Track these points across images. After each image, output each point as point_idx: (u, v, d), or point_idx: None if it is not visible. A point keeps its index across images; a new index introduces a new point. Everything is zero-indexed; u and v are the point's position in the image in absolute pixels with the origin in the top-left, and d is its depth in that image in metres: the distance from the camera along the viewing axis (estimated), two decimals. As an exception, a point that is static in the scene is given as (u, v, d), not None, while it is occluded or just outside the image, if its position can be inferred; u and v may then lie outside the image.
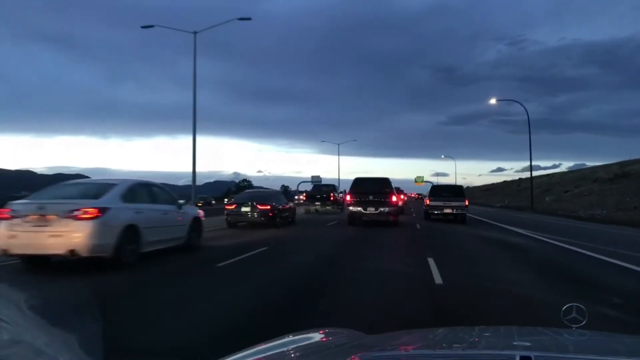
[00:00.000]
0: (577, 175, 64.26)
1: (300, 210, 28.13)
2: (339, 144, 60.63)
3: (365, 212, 18.74)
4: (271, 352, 1.57)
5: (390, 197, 18.92)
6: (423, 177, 65.78)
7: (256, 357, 1.49)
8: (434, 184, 42.27)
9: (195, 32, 24.32)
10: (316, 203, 29.98)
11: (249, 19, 24.00)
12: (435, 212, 22.30)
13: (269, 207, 16.99)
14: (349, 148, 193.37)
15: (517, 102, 42.52)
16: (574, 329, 1.68)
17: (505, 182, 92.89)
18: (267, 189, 31.16)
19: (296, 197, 59.93)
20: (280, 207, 18.18)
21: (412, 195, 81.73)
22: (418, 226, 19.15)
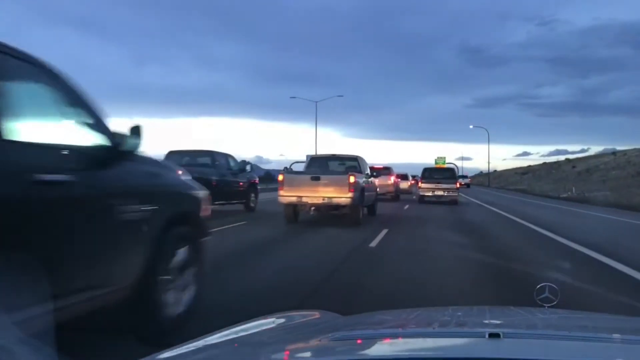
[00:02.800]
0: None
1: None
2: (316, 102, 47.48)
3: None
4: (242, 334, 1.57)
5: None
6: (445, 158, 57.02)
7: (227, 338, 1.50)
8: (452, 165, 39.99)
9: None
10: None
11: None
12: (427, 194, 22.18)
13: None
14: (372, 131, 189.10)
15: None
16: (546, 308, 1.72)
17: (545, 163, 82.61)
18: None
19: None
20: None
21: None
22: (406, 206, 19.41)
